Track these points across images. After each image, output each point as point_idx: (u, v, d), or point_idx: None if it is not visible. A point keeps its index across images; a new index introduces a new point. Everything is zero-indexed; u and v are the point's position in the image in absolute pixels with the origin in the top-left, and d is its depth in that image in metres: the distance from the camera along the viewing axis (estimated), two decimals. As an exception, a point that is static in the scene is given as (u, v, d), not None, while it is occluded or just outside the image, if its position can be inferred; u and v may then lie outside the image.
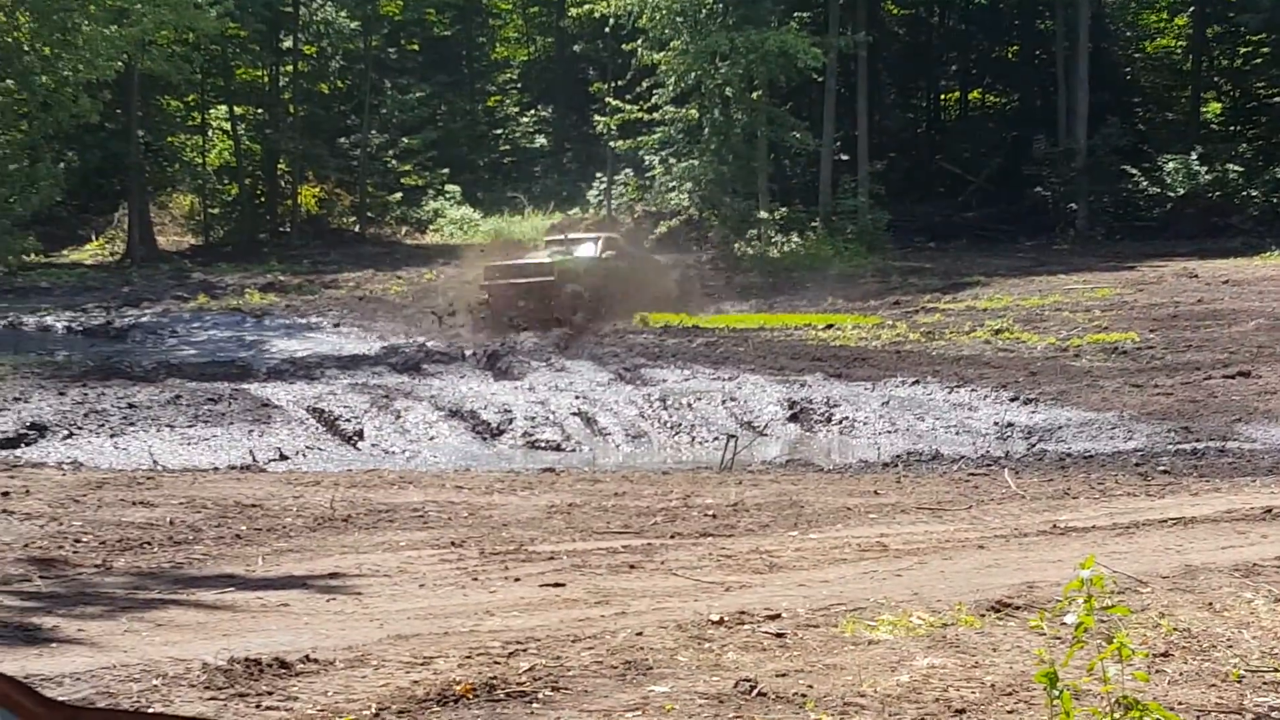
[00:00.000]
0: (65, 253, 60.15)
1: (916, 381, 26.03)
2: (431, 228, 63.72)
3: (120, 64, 41.70)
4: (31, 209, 45.13)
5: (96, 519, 13.71)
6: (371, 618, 9.85)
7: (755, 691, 7.77)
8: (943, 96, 73.24)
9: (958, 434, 22.61)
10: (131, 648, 8.83)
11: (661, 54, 52.11)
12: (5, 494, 14.92)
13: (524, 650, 8.76)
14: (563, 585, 11.01)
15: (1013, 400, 24.20)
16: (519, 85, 73.16)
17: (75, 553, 12.12)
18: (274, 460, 20.61)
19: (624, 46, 55.34)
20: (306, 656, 8.41)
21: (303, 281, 48.45)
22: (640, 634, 9.14)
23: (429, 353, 31.21)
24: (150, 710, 7.14)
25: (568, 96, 69.58)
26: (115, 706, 6.97)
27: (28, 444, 21.21)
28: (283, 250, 59.17)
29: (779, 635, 9.05)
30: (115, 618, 9.72)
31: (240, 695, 7.69)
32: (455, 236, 60.92)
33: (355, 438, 22.65)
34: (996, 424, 22.81)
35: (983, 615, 9.33)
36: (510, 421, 23.71)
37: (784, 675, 8.13)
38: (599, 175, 61.92)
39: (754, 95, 52.86)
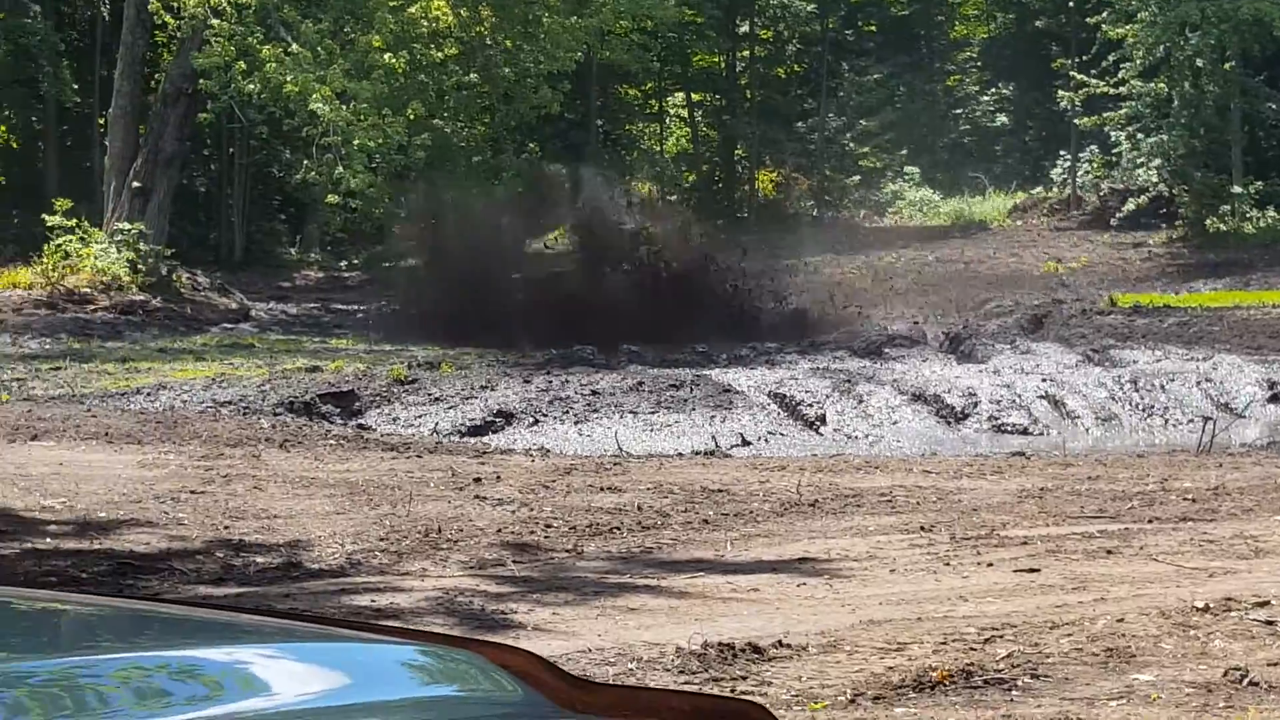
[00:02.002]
0: (526, 242, 61.55)
1: None
2: (890, 210, 63.35)
3: (580, 55, 42.42)
4: (495, 200, 46.31)
5: (566, 504, 13.86)
6: (843, 603, 9.72)
7: (1246, 681, 7.43)
8: None
9: None
10: (605, 632, 8.86)
11: (1128, 27, 50.82)
12: (478, 480, 15.20)
13: (1000, 637, 8.54)
14: (1037, 571, 10.73)
15: None
16: (979, 63, 72.24)
17: (547, 538, 12.27)
18: (737, 445, 20.65)
19: (1088, 20, 54.19)
20: (779, 641, 8.32)
21: (761, 266, 48.64)
22: (1121, 620, 8.83)
23: (890, 337, 30.96)
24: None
25: (1029, 73, 68.40)
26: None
27: (495, 431, 21.67)
28: (740, 236, 59.51)
29: (1269, 623, 8.65)
30: (588, 602, 9.77)
31: (714, 679, 7.64)
32: (915, 219, 60.48)
33: (817, 423, 22.56)
34: None
35: None
36: (975, 405, 23.34)
37: (1276, 665, 7.75)
38: (1062, 153, 60.77)
39: (1226, 66, 51.25)
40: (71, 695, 2.21)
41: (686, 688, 7.37)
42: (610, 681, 7.31)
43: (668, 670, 7.80)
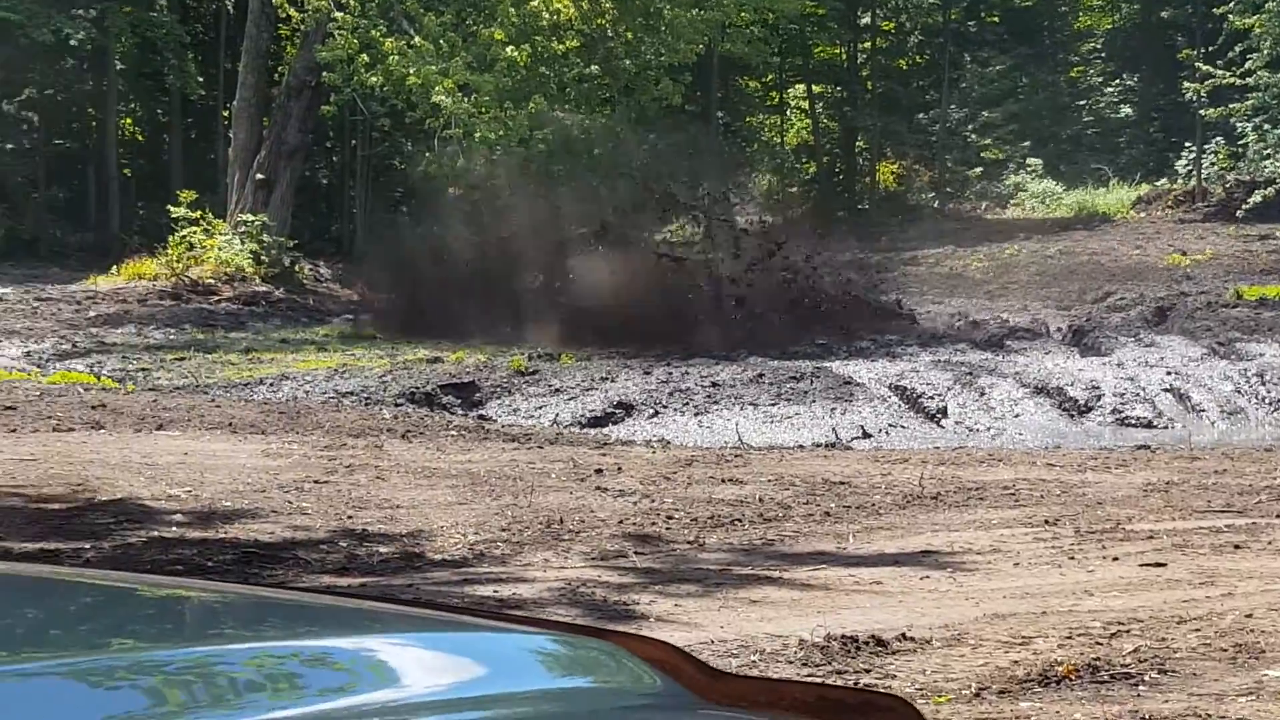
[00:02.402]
0: (648, 235, 61.59)
1: None
2: (1012, 202, 62.87)
3: (701, 47, 42.39)
4: (617, 192, 46.36)
5: (687, 496, 13.85)
6: (966, 596, 9.66)
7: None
8: None
9: None
10: (727, 624, 8.84)
11: (1255, 17, 50.22)
12: (599, 471, 15.22)
13: (1126, 631, 8.46)
14: (1164, 565, 10.63)
15: None
16: (1102, 55, 71.61)
17: (668, 529, 12.26)
18: (857, 438, 20.58)
19: (1214, 10, 53.59)
20: (902, 634, 8.29)
21: (882, 259, 48.46)
22: (1249, 616, 8.74)
23: (1012, 329, 30.77)
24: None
25: (1154, 64, 67.77)
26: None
27: (615, 422, 21.72)
28: (861, 227, 59.34)
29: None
30: (710, 594, 9.76)
31: (837, 672, 7.61)
32: (1037, 211, 60.01)
33: (938, 415, 22.45)
34: None
35: None
36: (1098, 398, 23.16)
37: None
38: (1187, 144, 60.14)
39: (1355, 56, 50.58)
40: (206, 684, 2.20)
41: (808, 679, 7.34)
42: (748, 674, 7.30)
43: (790, 662, 7.78)
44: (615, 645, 2.67)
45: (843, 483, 14.64)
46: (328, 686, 2.31)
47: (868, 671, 7.63)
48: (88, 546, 10.86)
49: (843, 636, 8.14)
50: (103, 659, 2.25)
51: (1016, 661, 7.77)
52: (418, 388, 23.36)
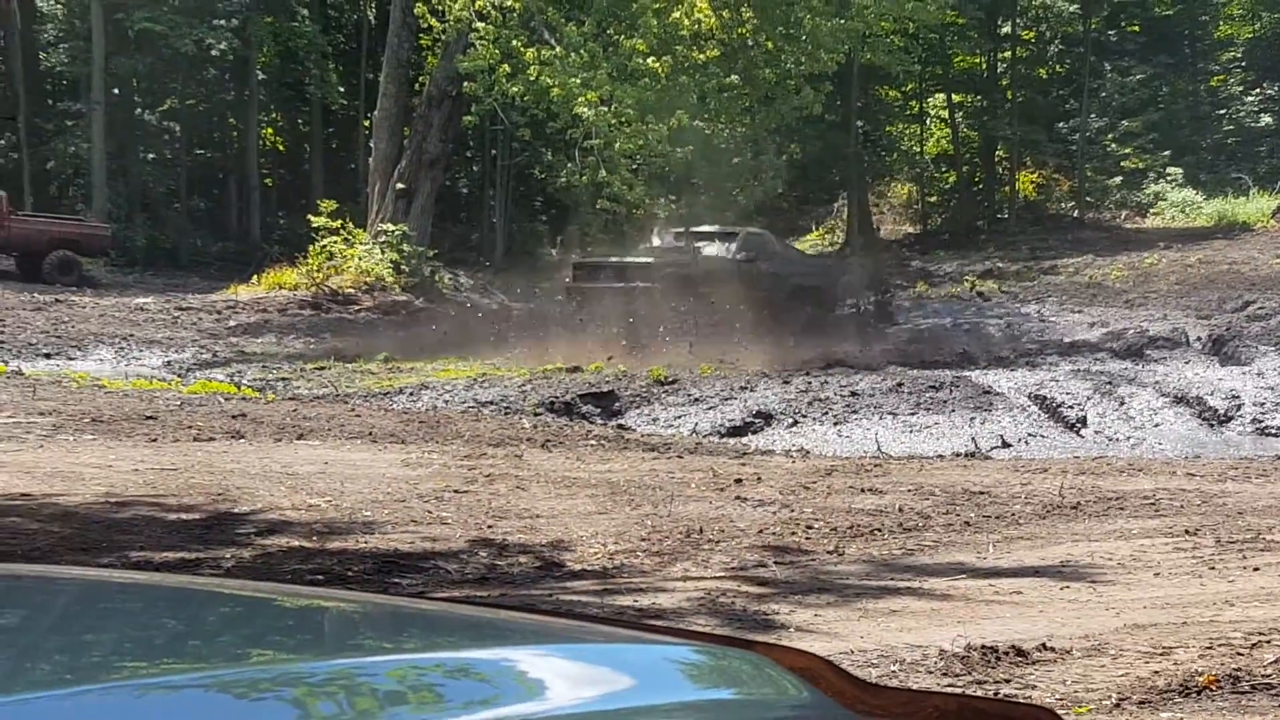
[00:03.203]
0: (787, 243, 61.59)
1: None
2: (1152, 211, 62.32)
3: (841, 56, 42.33)
4: (755, 200, 46.39)
5: (827, 505, 13.86)
6: (1106, 606, 9.63)
7: None
8: None
9: None
10: (867, 634, 8.86)
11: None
12: (738, 480, 15.25)
13: (1268, 642, 8.41)
14: (1307, 577, 10.56)
15: None
16: (1243, 63, 70.79)
17: (808, 539, 12.28)
18: (996, 447, 20.50)
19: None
20: (1043, 645, 8.28)
21: (1021, 268, 48.18)
22: (1395, 629, 8.65)
23: (1151, 338, 30.53)
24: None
25: (1295, 73, 66.99)
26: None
27: (754, 431, 21.73)
28: (1000, 237, 59.03)
29: None
30: (849, 604, 9.78)
31: (978, 682, 7.62)
32: (1177, 220, 59.46)
33: (1078, 424, 22.33)
34: None
35: None
36: (1238, 408, 22.97)
37: None
38: (1329, 153, 59.44)
39: None
40: (350, 696, 2.21)
41: (950, 690, 7.36)
42: (890, 684, 7.34)
43: (930, 672, 7.79)
44: (760, 656, 2.67)
45: (982, 492, 14.60)
46: (471, 698, 2.31)
47: (1008, 682, 7.63)
48: (228, 556, 11.01)
49: (983, 647, 8.14)
50: (246, 670, 2.28)
51: (1157, 672, 7.75)
52: (557, 397, 23.48)
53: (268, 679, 2.21)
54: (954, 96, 67.34)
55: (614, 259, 35.95)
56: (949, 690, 6.51)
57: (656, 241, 37.69)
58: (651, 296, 32.88)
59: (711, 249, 35.53)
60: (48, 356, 29.03)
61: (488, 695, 2.34)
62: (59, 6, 61.57)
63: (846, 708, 2.59)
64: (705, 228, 37.04)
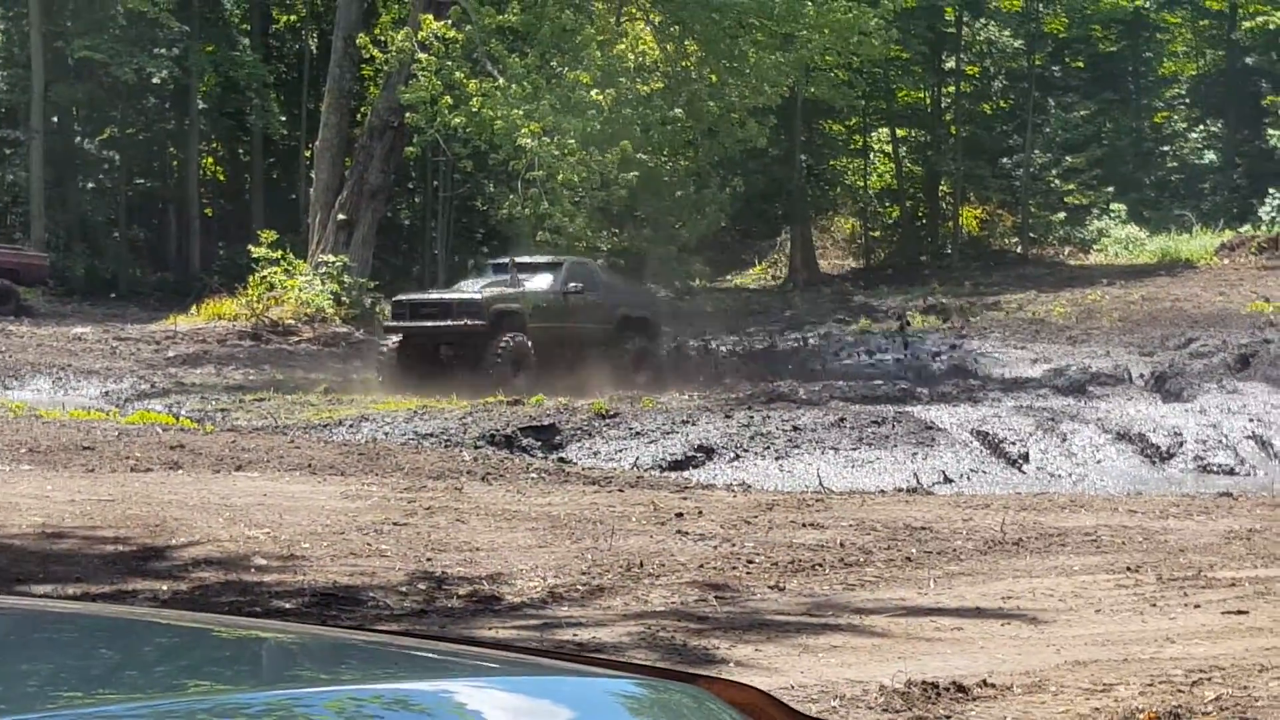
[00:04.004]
0: (729, 277, 61.63)
1: None
2: (1095, 247, 62.59)
3: (785, 90, 42.42)
4: (698, 234, 46.41)
5: (768, 540, 13.80)
6: (1048, 643, 9.59)
7: None
8: None
9: None
10: (808, 669, 8.79)
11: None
12: (679, 515, 15.19)
13: (1208, 679, 8.39)
14: (1246, 613, 10.53)
15: None
16: (1187, 100, 71.35)
17: (749, 573, 12.22)
18: (939, 483, 20.50)
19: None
20: (983, 681, 8.22)
21: (964, 304, 48.27)
22: (1335, 666, 8.63)
23: (1093, 375, 30.62)
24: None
25: (1238, 110, 67.43)
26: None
27: (695, 465, 21.71)
28: (944, 272, 59.17)
29: None
30: (790, 639, 9.71)
31: (918, 718, 7.55)
32: (1121, 256, 59.71)
33: (1020, 460, 22.37)
34: None
35: None
36: (1180, 445, 23.04)
37: None
38: (1271, 190, 59.74)
39: None
40: None
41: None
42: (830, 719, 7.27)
43: (870, 708, 7.73)
44: (702, 690, 2.61)
45: (924, 528, 14.56)
46: None
47: (948, 718, 7.58)
48: (164, 588, 10.90)
49: (923, 682, 8.09)
50: (182, 701, 2.22)
51: (1098, 709, 7.70)
52: (498, 430, 23.40)
53: (204, 710, 2.15)
54: (898, 131, 67.56)
55: (434, 295, 34.53)
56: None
57: (478, 278, 35.65)
58: (477, 335, 31.42)
59: (536, 281, 33.50)
60: (-16, 386, 28.80)
61: None
62: (-1, 33, 61.28)
63: None
64: (528, 259, 35.06)
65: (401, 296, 34.89)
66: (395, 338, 32.62)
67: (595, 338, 33.15)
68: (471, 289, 33.26)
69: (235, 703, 2.21)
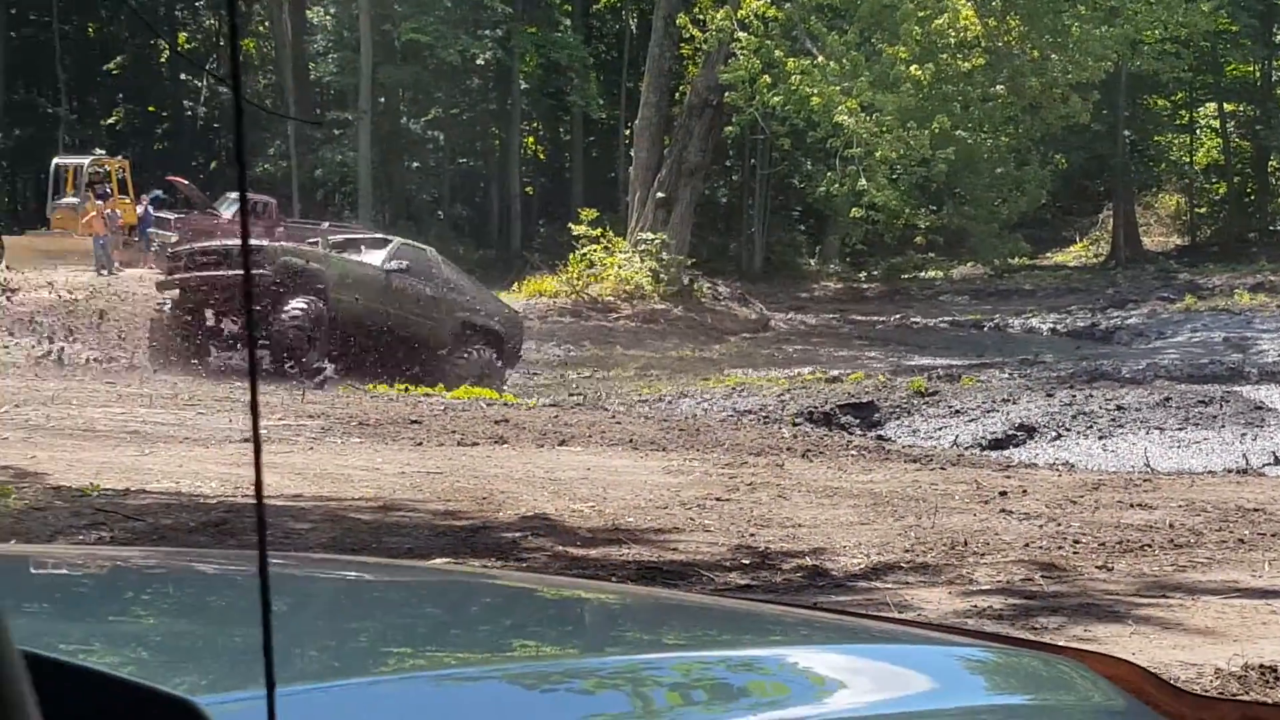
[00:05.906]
0: (1049, 254, 60.81)
1: None
2: None
3: (1110, 64, 41.63)
4: (1018, 211, 45.87)
5: (1094, 520, 13.55)
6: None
7: None
8: None
9: None
10: (1139, 651, 8.61)
11: None
12: (1003, 493, 15.00)
13: None
14: None
15: None
16: None
17: (1075, 553, 12.01)
18: (1269, 464, 19.97)
19: None
20: (1328, 667, 7.98)
21: (1291, 280, 47.04)
22: None
23: None
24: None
25: None
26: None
27: (1016, 444, 21.43)
28: (1273, 249, 57.69)
29: None
30: (1119, 620, 9.53)
31: (1256, 703, 7.36)
32: None
33: (1357, 441, 21.71)
34: None
35: None
36: None
37: None
38: None
39: None
40: (638, 692, 2.14)
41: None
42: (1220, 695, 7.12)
43: (1206, 692, 7.54)
44: (1073, 660, 2.51)
45: (1257, 509, 14.18)
46: (760, 698, 2.20)
47: (1289, 704, 7.37)
48: (495, 561, 11.05)
49: (1261, 666, 7.88)
50: (537, 665, 2.23)
51: None
52: (816, 407, 23.36)
53: (558, 672, 2.16)
54: (1225, 105, 65.97)
55: (215, 244, 29.49)
56: (1272, 702, 6.27)
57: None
58: (267, 290, 26.58)
59: (362, 256, 29.59)
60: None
61: (775, 694, 2.23)
62: (329, 18, 62.76)
63: (1169, 717, 2.42)
64: (357, 234, 32.34)
65: (179, 248, 31.34)
66: (171, 293, 28.55)
67: (419, 331, 29.44)
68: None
69: (586, 667, 2.21)
